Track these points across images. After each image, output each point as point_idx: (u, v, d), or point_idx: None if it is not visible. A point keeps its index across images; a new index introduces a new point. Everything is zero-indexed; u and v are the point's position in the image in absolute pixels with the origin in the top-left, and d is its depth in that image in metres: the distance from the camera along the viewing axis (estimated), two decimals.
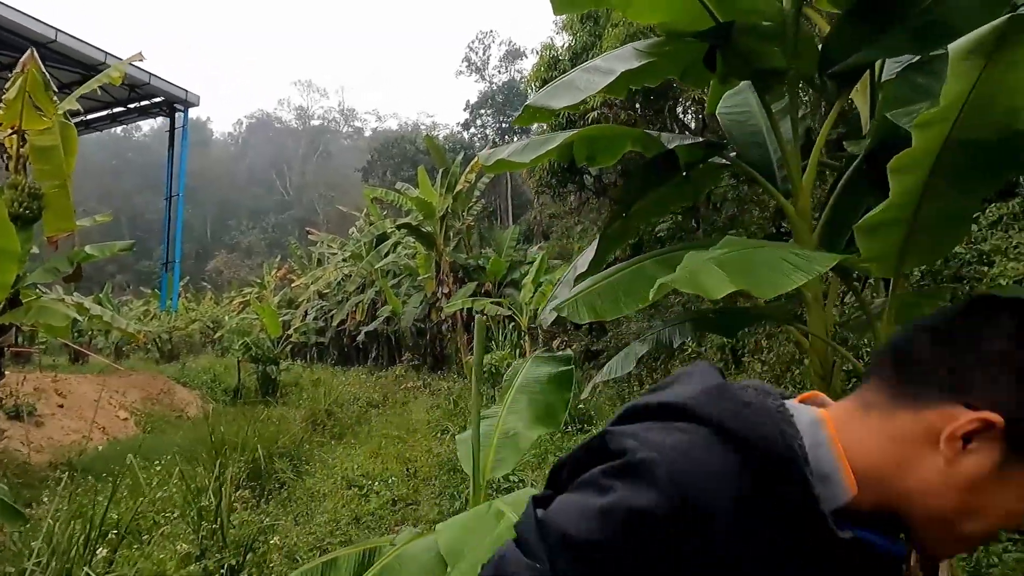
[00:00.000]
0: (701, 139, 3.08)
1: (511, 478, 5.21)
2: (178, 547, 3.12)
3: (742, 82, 3.35)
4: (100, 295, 22.26)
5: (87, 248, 6.19)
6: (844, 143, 2.66)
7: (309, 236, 30.24)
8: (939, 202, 2.10)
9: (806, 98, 5.87)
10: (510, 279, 18.16)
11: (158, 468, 4.99)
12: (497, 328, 15.60)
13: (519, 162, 3.25)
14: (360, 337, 23.32)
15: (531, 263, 16.23)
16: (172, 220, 17.23)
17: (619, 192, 3.41)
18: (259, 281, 34.81)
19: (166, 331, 30.05)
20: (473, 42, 56.60)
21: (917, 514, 0.72)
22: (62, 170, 5.87)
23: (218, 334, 27.08)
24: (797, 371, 7.70)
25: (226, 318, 28.48)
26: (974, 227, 6.77)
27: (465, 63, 50.18)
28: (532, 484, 5.58)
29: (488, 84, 48.89)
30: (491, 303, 15.25)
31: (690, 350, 10.34)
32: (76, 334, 23.63)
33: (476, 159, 17.64)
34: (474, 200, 20.25)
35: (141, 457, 5.98)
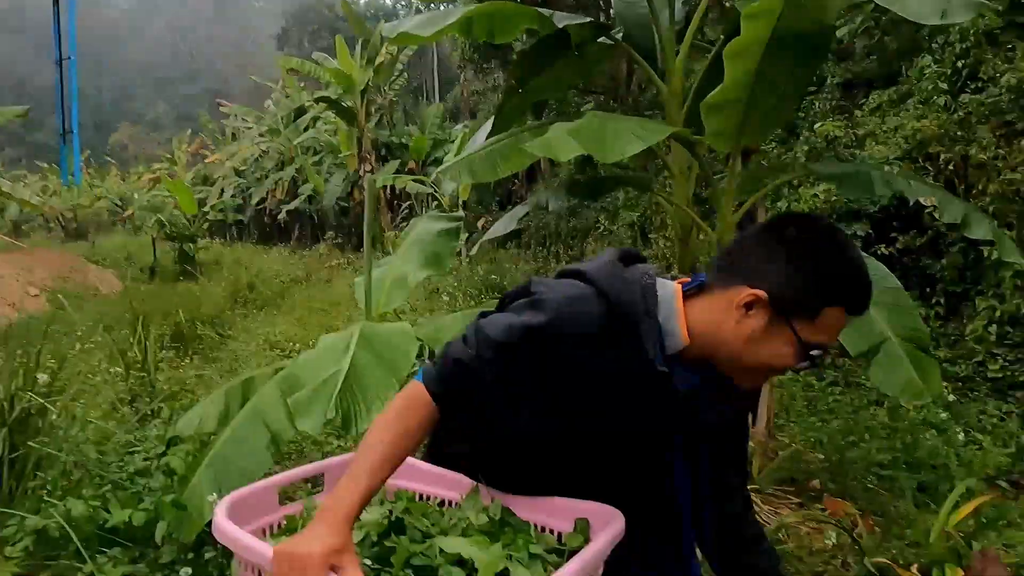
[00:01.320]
0: (590, 20, 3.29)
1: (401, 313, 5.71)
2: (109, 395, 3.41)
3: None
4: None
5: None
6: (704, 29, 2.94)
7: (221, 108, 28.40)
8: (769, 86, 2.46)
9: None
10: (434, 158, 18.01)
11: (79, 335, 5.14)
12: (420, 207, 15.70)
13: (421, 35, 3.38)
14: (281, 216, 22.84)
15: (454, 141, 16.12)
16: (65, 86, 15.86)
17: (514, 69, 3.61)
18: (169, 156, 32.86)
19: (69, 208, 28.38)
20: None
21: (722, 358, 1.10)
22: None
23: (128, 212, 25.82)
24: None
25: (135, 195, 27.05)
26: (857, 112, 7.33)
27: None
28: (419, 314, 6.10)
29: None
30: (412, 180, 15.24)
31: (603, 228, 10.90)
32: None
33: None
34: (396, 74, 19.49)
35: (60, 329, 6.07)
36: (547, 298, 1.08)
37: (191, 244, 15.81)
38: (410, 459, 1.31)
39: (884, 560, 2.21)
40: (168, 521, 1.51)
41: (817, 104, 7.92)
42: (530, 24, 3.50)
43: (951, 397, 4.46)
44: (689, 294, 1.13)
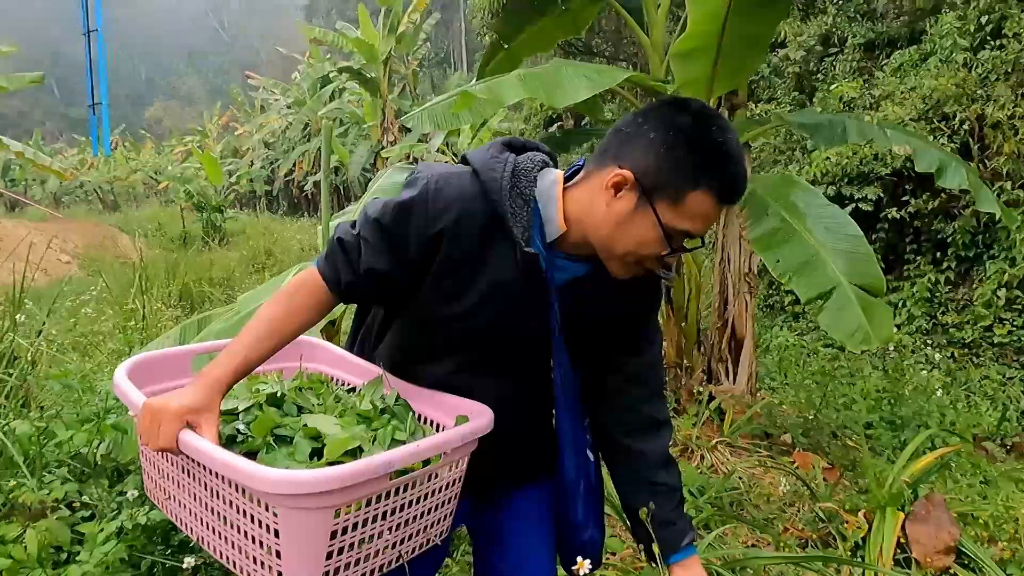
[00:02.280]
0: None
1: None
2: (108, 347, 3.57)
3: None
4: (29, 142, 21.24)
5: None
6: None
7: (250, 81, 28.66)
8: (738, 28, 2.41)
9: None
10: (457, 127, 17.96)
11: (92, 293, 5.33)
12: None
13: None
14: (308, 187, 23.11)
15: None
16: (94, 58, 16.17)
17: (498, 25, 3.57)
18: (200, 129, 33.40)
19: (107, 181, 29.16)
20: None
21: (595, 242, 1.09)
22: None
23: (161, 184, 26.43)
24: None
25: (169, 167, 27.68)
26: (879, 74, 7.10)
27: None
28: None
29: None
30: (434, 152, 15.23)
31: None
32: (10, 183, 22.85)
33: None
34: (419, 43, 19.39)
35: (83, 292, 6.29)
36: (421, 176, 1.10)
37: (218, 214, 16.10)
38: (334, 347, 1.37)
39: (833, 505, 2.22)
40: (109, 441, 1.61)
41: (837, 66, 7.68)
42: None
43: (952, 364, 4.38)
44: (572, 182, 1.11)
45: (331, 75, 20.98)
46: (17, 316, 2.50)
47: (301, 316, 1.09)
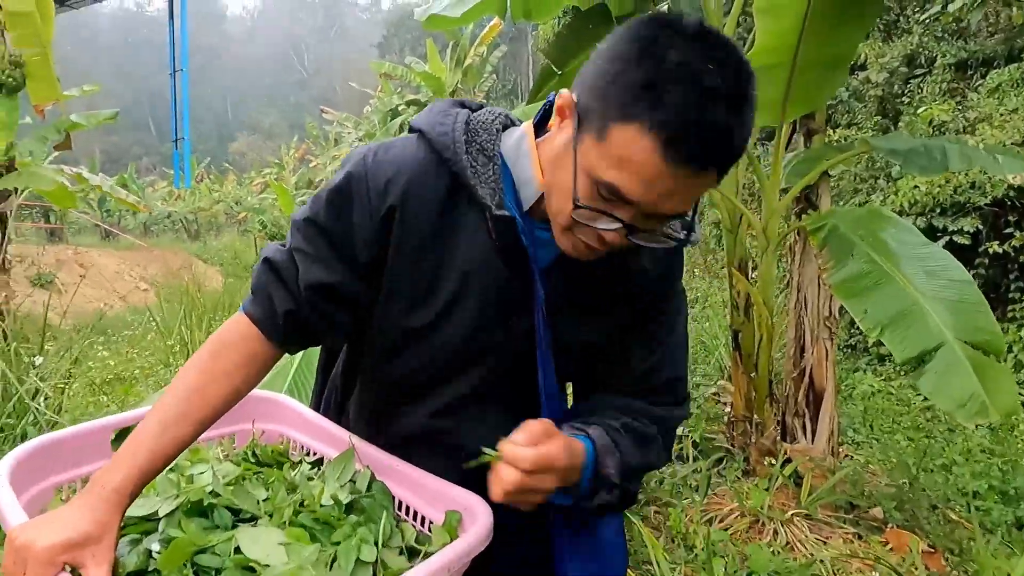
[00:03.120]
0: None
1: None
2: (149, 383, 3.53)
3: None
4: (124, 175, 22.61)
5: (72, 116, 6.32)
6: None
7: (324, 115, 29.85)
8: (815, 48, 2.12)
9: None
10: None
11: (153, 326, 5.40)
12: None
13: (452, 17, 3.25)
14: None
15: None
16: (179, 97, 17.12)
17: (550, 51, 3.39)
18: (278, 162, 34.90)
19: (191, 211, 30.76)
20: None
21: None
22: (40, 37, 5.88)
23: (240, 214, 27.66)
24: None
25: (248, 198, 28.99)
26: (972, 96, 6.53)
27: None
28: None
29: None
30: None
31: None
32: (105, 213, 24.32)
33: (487, 28, 16.95)
34: (486, 76, 19.64)
35: (153, 320, 6.43)
36: (356, 152, 0.87)
37: None
38: (295, 404, 1.12)
39: None
40: None
41: (924, 88, 7.13)
42: (567, 1, 3.30)
43: None
44: (544, 133, 0.85)
45: (399, 108, 21.47)
46: (34, 358, 2.42)
47: (229, 383, 0.82)
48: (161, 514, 0.80)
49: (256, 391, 0.97)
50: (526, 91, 38.50)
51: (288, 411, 1.12)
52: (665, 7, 3.22)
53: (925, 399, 4.65)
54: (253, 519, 0.84)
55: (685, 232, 0.83)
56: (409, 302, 0.87)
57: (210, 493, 0.85)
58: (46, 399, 2.31)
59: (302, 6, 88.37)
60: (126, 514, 0.75)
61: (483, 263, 0.85)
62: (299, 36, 79.01)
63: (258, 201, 26.90)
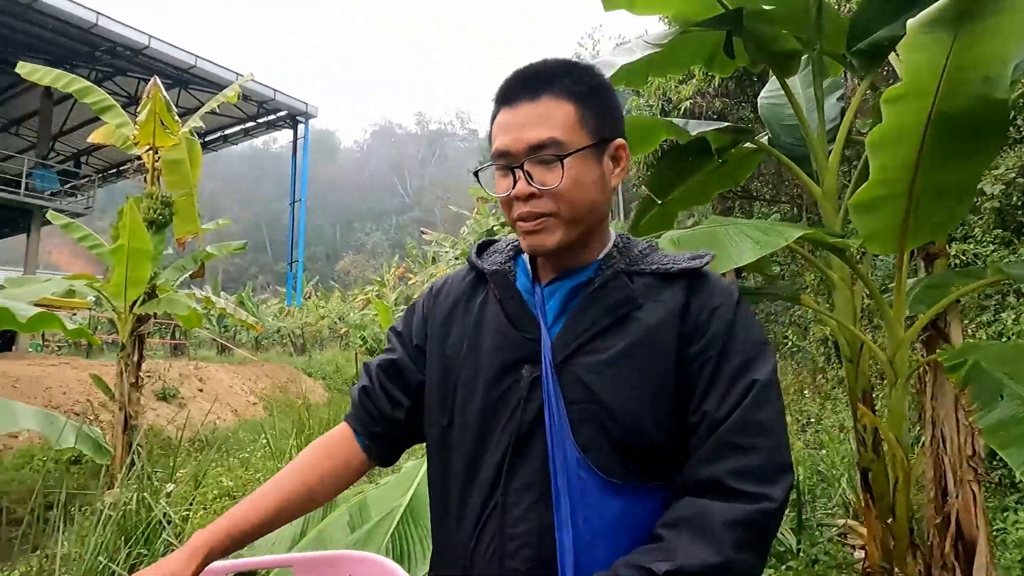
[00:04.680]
0: (727, 124, 3.11)
1: None
2: None
3: None
4: (241, 294, 24.57)
5: (207, 248, 7.04)
6: (858, 122, 2.62)
7: (423, 236, 31.62)
8: (933, 176, 2.07)
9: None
10: None
11: (263, 442, 5.62)
12: None
13: None
14: None
15: None
16: (296, 224, 18.74)
17: (651, 181, 3.48)
18: (379, 280, 36.87)
19: (299, 327, 32.69)
20: (582, 38, 56.39)
21: None
22: (188, 180, 6.71)
23: (343, 329, 29.07)
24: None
25: (351, 314, 30.56)
26: None
27: (576, 58, 50.11)
28: None
29: None
30: None
31: (791, 344, 9.92)
32: (223, 329, 26.27)
33: None
34: None
35: (260, 434, 6.72)
36: None
37: None
38: (394, 567, 1.07)
39: None
40: None
41: None
42: (666, 134, 3.41)
43: None
44: None
45: (494, 228, 22.46)
46: (166, 486, 2.55)
47: (316, 466, 1.02)
48: None
49: (353, 552, 1.04)
50: (616, 208, 39.48)
51: (386, 573, 1.10)
52: (765, 139, 3.27)
53: None
54: None
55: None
56: (437, 387, 0.99)
57: None
58: (170, 523, 2.42)
59: (407, 138, 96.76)
60: None
61: (494, 323, 0.97)
62: (403, 164, 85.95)
63: (360, 317, 28.23)
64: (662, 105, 11.58)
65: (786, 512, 4.02)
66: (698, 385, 0.87)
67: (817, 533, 3.78)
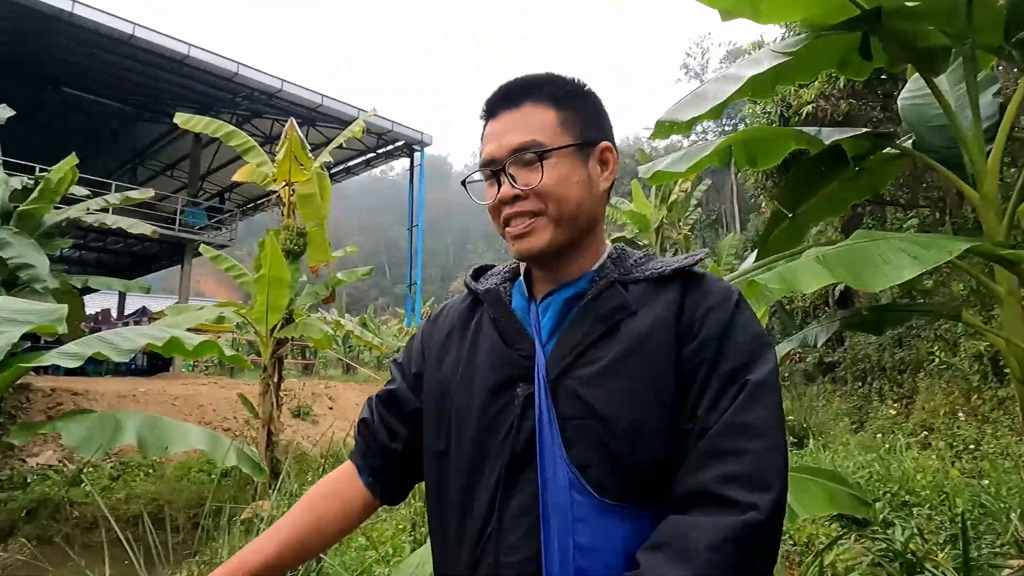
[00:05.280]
0: (866, 130, 2.92)
1: None
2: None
3: None
4: (364, 316, 25.88)
5: (338, 275, 7.49)
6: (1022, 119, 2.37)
7: None
8: None
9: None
10: None
11: None
12: None
13: (677, 172, 3.37)
14: None
15: None
16: (414, 248, 19.54)
17: (780, 195, 3.32)
18: None
19: None
20: (690, 47, 55.23)
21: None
22: (320, 212, 7.19)
23: None
24: None
25: None
26: None
27: (683, 69, 49.02)
28: None
29: None
30: None
31: (938, 360, 9.05)
32: (347, 349, 27.75)
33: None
34: (691, 209, 19.83)
35: None
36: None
37: None
38: None
39: None
40: None
41: None
42: (795, 145, 3.26)
43: None
44: None
45: None
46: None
47: (312, 508, 1.03)
48: None
49: None
50: (731, 220, 37.96)
51: None
52: (908, 143, 3.05)
53: None
54: None
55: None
56: (435, 398, 0.98)
57: None
58: None
59: None
60: None
61: (489, 343, 0.95)
62: None
63: None
64: (781, 111, 11.06)
65: (947, 550, 3.64)
66: (692, 389, 0.83)
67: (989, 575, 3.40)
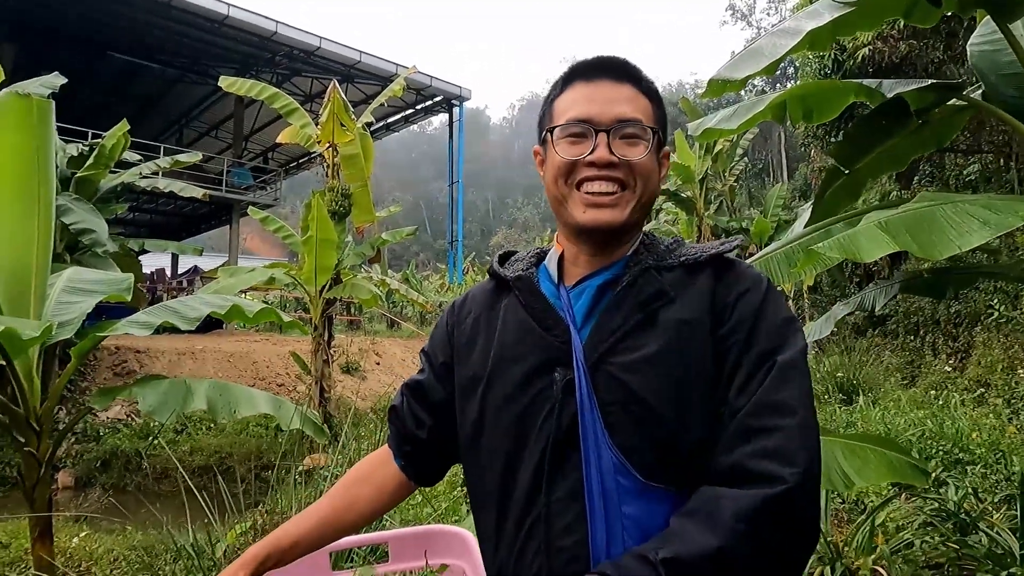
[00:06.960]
0: (932, 82, 2.78)
1: None
2: None
3: None
4: (406, 272, 26.23)
5: (383, 234, 7.59)
6: None
7: None
8: None
9: None
10: (776, 240, 17.00)
11: None
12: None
13: (728, 128, 3.28)
14: None
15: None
16: (454, 203, 19.57)
17: (837, 150, 3.21)
18: None
19: None
20: None
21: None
22: (363, 172, 7.25)
23: None
24: None
25: None
26: None
27: (729, 11, 46.88)
28: None
29: (756, 30, 45.12)
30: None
31: (997, 314, 8.73)
32: (391, 305, 28.25)
33: None
34: (737, 159, 19.25)
35: None
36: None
37: None
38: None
39: None
40: None
41: None
42: (854, 98, 3.12)
43: None
44: None
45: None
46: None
47: (349, 489, 1.08)
48: None
49: (444, 527, 1.17)
50: (778, 170, 36.74)
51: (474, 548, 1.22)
52: (977, 94, 2.89)
53: None
54: None
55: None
56: (464, 399, 1.00)
57: None
58: None
59: None
60: None
61: (521, 329, 0.96)
62: None
63: None
64: (835, 55, 10.53)
65: (1003, 510, 3.58)
66: (724, 371, 0.86)
67: None
